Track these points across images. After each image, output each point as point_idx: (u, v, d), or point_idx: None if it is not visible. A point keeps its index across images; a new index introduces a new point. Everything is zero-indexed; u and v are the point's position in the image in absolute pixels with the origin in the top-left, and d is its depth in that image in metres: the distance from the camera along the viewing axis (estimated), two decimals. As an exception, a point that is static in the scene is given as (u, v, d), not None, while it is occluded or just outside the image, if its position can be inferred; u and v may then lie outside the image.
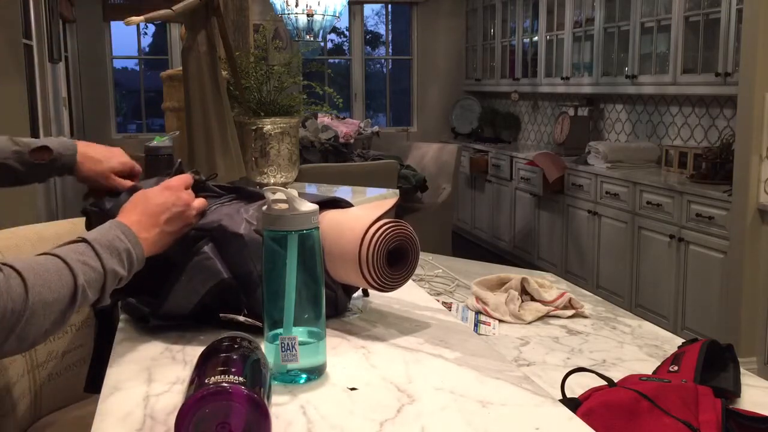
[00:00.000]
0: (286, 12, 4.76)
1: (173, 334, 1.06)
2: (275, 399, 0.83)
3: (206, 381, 0.71)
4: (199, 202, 1.11)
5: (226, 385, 0.70)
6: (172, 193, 1.07)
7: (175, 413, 0.72)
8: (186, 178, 1.13)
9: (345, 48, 7.99)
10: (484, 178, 6.42)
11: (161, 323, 1.08)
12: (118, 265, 0.95)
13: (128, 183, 1.27)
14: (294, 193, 0.90)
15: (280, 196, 0.89)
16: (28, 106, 3.90)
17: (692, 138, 4.58)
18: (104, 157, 1.27)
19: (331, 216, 1.09)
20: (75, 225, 1.57)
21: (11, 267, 0.82)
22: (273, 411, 0.80)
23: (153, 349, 1.02)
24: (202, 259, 1.06)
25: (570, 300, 1.68)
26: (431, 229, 4.83)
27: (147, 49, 7.71)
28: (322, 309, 0.92)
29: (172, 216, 1.05)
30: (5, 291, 0.79)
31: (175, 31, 6.62)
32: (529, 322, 1.62)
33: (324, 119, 5.24)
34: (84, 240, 0.93)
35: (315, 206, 0.90)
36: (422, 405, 0.83)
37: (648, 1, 4.56)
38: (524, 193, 5.70)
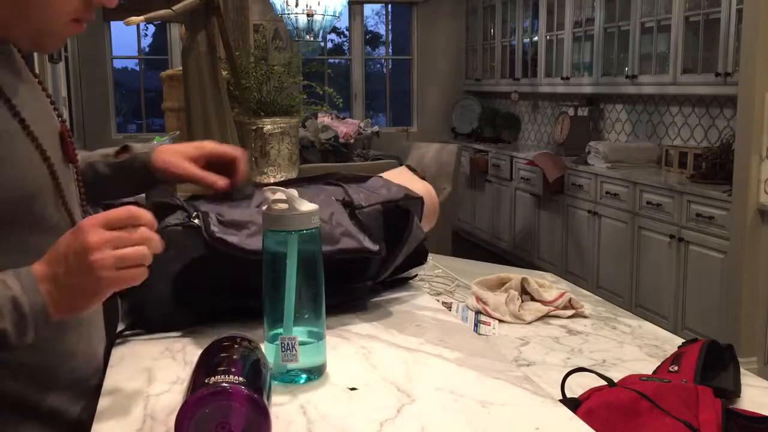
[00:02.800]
0: (286, 12, 4.76)
1: (173, 334, 1.06)
2: (275, 399, 0.83)
3: (206, 381, 0.71)
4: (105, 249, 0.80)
5: (226, 385, 0.70)
6: (74, 237, 0.80)
7: (175, 413, 0.72)
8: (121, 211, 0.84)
9: (345, 48, 7.99)
10: (484, 178, 6.42)
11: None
12: None
13: (210, 176, 1.14)
14: (294, 193, 0.90)
15: (280, 196, 0.89)
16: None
17: (692, 138, 4.58)
18: (181, 146, 1.18)
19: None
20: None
21: None
22: (273, 411, 0.80)
23: (153, 349, 1.02)
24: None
25: (570, 300, 1.68)
26: (431, 228, 4.82)
27: (147, 49, 7.70)
28: (322, 309, 0.92)
29: (71, 267, 0.79)
30: None
31: (175, 31, 6.62)
32: (529, 322, 1.62)
33: (324, 119, 5.24)
34: None
35: (315, 206, 0.90)
36: (422, 405, 0.83)
37: (648, 1, 4.55)
38: (524, 193, 5.70)
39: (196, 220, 1.08)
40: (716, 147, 4.03)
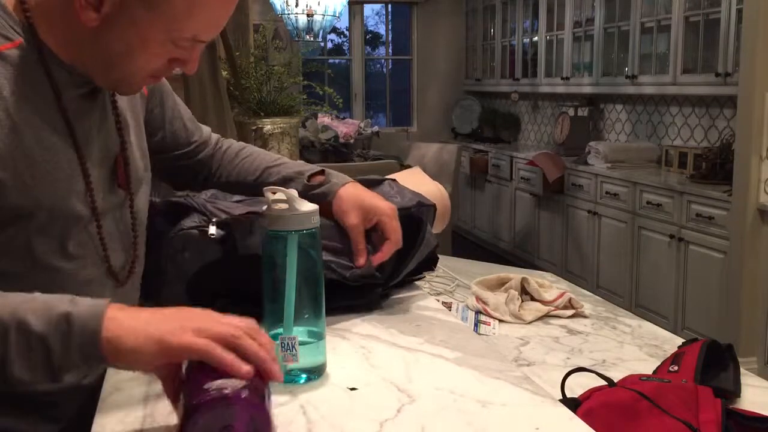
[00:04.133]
0: (286, 12, 4.76)
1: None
2: (275, 399, 0.83)
3: (206, 387, 0.71)
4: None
5: (227, 391, 0.70)
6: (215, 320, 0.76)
7: (175, 413, 0.72)
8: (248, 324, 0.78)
9: (345, 48, 7.99)
10: (484, 178, 6.42)
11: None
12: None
13: (361, 250, 1.13)
14: (294, 193, 0.90)
15: (280, 196, 0.90)
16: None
17: (692, 138, 4.58)
18: (365, 200, 1.14)
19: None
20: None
21: None
22: (273, 411, 0.80)
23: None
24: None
25: (570, 300, 1.68)
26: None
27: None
28: (322, 309, 0.92)
29: (157, 313, 0.75)
30: None
31: (175, 31, 6.61)
32: (529, 322, 1.62)
33: (324, 119, 5.24)
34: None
35: (315, 206, 0.90)
36: (422, 405, 0.83)
37: (648, 1, 4.55)
38: (524, 193, 5.70)
39: (213, 228, 1.09)
40: (716, 147, 4.03)
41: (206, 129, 1.30)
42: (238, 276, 1.06)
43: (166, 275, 1.11)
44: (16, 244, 0.86)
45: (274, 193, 0.90)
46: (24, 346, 0.70)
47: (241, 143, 1.32)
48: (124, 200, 1.01)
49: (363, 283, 1.14)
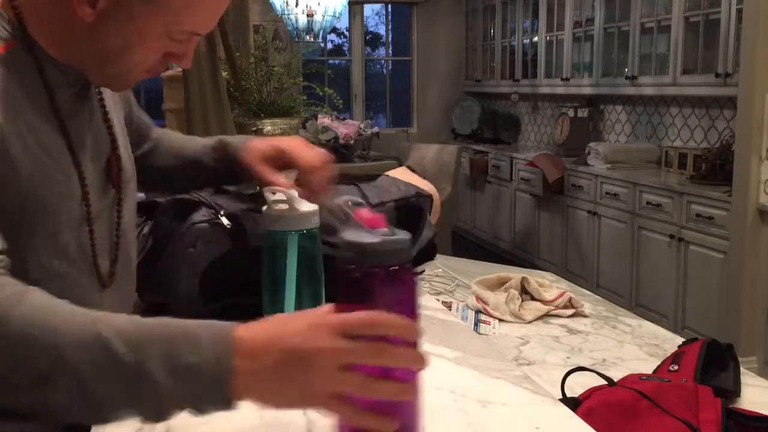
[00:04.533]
0: (286, 12, 4.76)
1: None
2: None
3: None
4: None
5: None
6: (306, 328, 0.66)
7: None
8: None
9: (345, 48, 7.99)
10: (484, 178, 6.42)
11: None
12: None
13: (275, 178, 1.04)
14: (294, 193, 0.90)
15: (280, 196, 0.90)
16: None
17: (692, 139, 4.58)
18: (263, 144, 1.12)
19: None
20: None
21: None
22: (272, 412, 0.80)
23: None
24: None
25: (570, 299, 1.68)
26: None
27: (147, 50, 7.69)
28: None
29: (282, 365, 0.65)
30: None
31: (175, 32, 6.61)
32: (529, 322, 1.62)
33: (324, 120, 5.24)
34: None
35: (315, 206, 0.90)
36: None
37: (648, 2, 4.55)
38: (524, 194, 5.70)
39: (224, 219, 1.09)
40: (716, 148, 4.03)
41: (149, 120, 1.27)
42: (251, 267, 1.07)
43: (180, 272, 1.11)
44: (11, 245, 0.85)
45: (274, 194, 0.90)
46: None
47: (162, 130, 1.29)
48: (113, 201, 0.99)
49: None
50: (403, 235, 0.66)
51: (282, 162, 1.10)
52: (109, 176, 0.98)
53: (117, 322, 0.67)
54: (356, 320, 0.64)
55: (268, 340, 0.66)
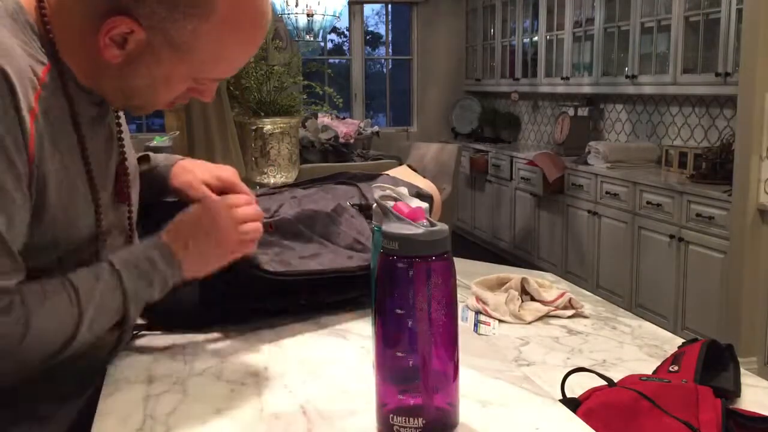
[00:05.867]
0: (286, 12, 4.76)
1: (173, 334, 1.06)
2: (274, 399, 0.83)
3: None
4: (252, 225, 1.01)
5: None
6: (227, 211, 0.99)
7: (175, 413, 0.72)
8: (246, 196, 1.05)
9: (345, 48, 7.99)
10: (484, 178, 6.42)
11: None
12: (147, 293, 0.92)
13: (213, 196, 1.11)
14: (404, 191, 0.90)
15: (389, 192, 0.89)
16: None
17: (692, 138, 4.58)
18: (199, 168, 1.14)
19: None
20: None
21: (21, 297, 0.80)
22: (272, 411, 0.80)
23: (154, 349, 1.02)
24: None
25: (570, 300, 1.68)
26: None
27: (147, 49, 7.68)
28: None
29: (221, 238, 0.98)
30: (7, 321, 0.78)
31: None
32: (529, 322, 1.62)
33: (324, 119, 5.24)
34: (111, 265, 0.89)
35: (425, 204, 0.90)
36: (422, 405, 0.82)
37: (648, 1, 4.55)
38: (524, 193, 5.70)
39: None
40: (716, 147, 4.03)
41: None
42: (251, 270, 1.07)
43: None
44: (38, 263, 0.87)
45: (384, 190, 0.90)
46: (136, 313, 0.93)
47: None
48: (123, 214, 1.01)
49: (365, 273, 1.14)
50: (441, 226, 0.73)
51: (220, 191, 1.11)
52: (117, 189, 0.99)
53: (115, 255, 0.92)
54: (233, 197, 1.02)
55: (182, 226, 0.97)
